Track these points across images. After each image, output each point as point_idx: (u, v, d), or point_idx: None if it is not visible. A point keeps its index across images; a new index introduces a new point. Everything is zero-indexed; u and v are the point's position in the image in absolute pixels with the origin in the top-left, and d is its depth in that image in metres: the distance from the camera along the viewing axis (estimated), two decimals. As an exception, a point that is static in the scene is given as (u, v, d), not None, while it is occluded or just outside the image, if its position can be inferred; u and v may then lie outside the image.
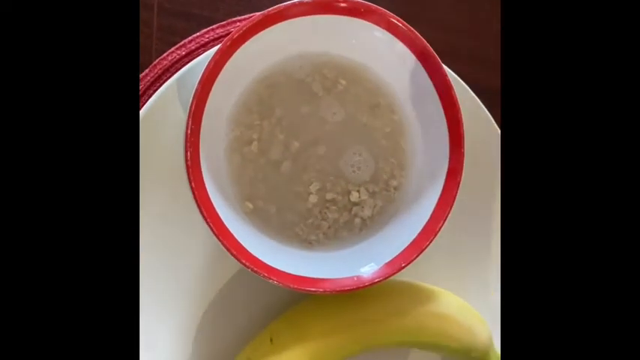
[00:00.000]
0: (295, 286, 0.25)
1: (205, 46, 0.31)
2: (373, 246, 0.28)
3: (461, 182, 0.27)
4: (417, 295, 0.29)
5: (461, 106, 0.28)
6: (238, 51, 0.25)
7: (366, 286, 0.26)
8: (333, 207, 0.28)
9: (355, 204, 0.28)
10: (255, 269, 0.24)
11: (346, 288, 0.26)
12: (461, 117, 0.28)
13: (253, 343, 0.27)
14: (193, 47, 0.31)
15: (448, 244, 0.31)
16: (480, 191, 0.32)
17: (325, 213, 0.28)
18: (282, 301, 0.29)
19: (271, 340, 0.26)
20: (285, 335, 0.27)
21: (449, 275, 0.31)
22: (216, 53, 0.25)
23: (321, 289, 0.25)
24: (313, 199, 0.28)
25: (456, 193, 0.27)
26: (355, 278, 0.26)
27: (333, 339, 0.27)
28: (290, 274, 0.25)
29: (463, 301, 0.30)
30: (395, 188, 0.29)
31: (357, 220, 0.28)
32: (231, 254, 0.24)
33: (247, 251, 0.25)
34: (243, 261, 0.24)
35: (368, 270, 0.26)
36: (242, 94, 0.28)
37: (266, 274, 0.25)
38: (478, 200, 0.31)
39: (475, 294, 0.31)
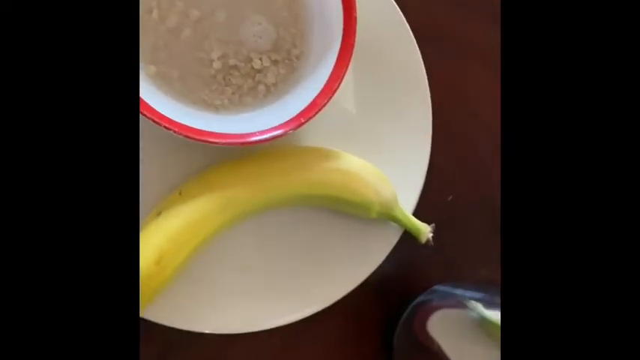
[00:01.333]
0: (195, 137, 0.26)
1: None
2: (278, 109, 0.29)
3: (355, 44, 0.29)
4: (322, 154, 0.31)
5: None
6: None
7: (268, 139, 0.27)
8: (237, 73, 0.30)
9: (258, 71, 0.30)
10: (156, 120, 0.26)
11: (247, 140, 0.27)
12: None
13: (164, 198, 0.29)
14: None
15: (358, 115, 0.33)
16: (386, 64, 0.34)
17: (229, 79, 0.30)
18: (197, 169, 0.31)
19: (180, 192, 0.28)
20: (193, 188, 0.28)
21: (356, 145, 0.33)
22: None
23: (222, 140, 0.27)
24: (217, 65, 0.29)
25: (351, 54, 0.29)
26: (257, 132, 0.28)
27: (240, 189, 0.28)
28: (190, 126, 0.27)
29: (366, 162, 0.32)
30: (297, 57, 0.31)
31: (261, 87, 0.30)
32: (132, 106, 0.26)
33: (148, 105, 0.26)
34: (143, 111, 0.26)
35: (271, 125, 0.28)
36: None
37: (167, 125, 0.26)
38: (386, 71, 0.34)
39: (383, 162, 0.33)
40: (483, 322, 0.27)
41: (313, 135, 0.32)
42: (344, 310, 0.34)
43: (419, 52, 0.34)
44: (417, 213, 0.33)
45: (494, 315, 0.27)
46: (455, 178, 0.37)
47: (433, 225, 0.33)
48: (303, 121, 0.28)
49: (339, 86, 0.29)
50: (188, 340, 0.33)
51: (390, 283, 0.35)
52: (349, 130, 0.33)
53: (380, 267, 0.33)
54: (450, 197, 0.37)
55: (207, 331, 0.31)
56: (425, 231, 0.32)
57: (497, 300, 0.27)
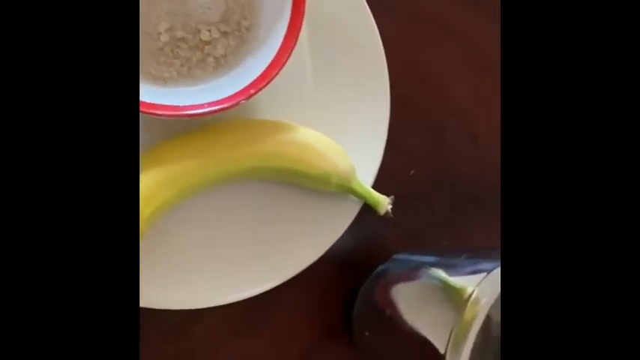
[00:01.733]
0: (141, 110, 0.26)
1: None
2: (228, 81, 0.29)
3: (305, 15, 0.29)
4: (277, 127, 0.30)
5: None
6: None
7: (216, 111, 0.27)
8: (185, 45, 0.29)
9: (207, 43, 0.30)
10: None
11: (195, 112, 0.27)
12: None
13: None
14: None
15: (315, 89, 0.33)
16: (342, 37, 0.33)
17: (177, 52, 0.29)
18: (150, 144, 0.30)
19: (128, 166, 0.28)
20: (143, 162, 0.28)
21: (315, 119, 0.33)
22: None
23: (169, 112, 0.27)
24: (164, 38, 0.29)
25: (301, 25, 0.29)
26: (205, 104, 0.27)
27: (189, 162, 0.28)
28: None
29: (323, 135, 0.31)
30: (247, 28, 0.30)
31: (210, 59, 0.30)
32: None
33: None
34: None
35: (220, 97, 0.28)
36: None
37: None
38: (342, 43, 0.33)
39: (341, 135, 0.33)
40: (445, 287, 0.27)
41: (269, 109, 0.32)
42: (306, 284, 0.34)
43: (375, 24, 0.33)
44: (379, 187, 0.33)
45: (455, 280, 0.27)
46: (417, 153, 0.37)
47: (392, 197, 0.33)
48: (252, 92, 0.28)
49: (289, 57, 0.28)
50: (152, 318, 0.33)
51: (353, 256, 0.35)
52: (306, 103, 0.33)
53: (342, 240, 0.33)
54: (412, 172, 0.37)
55: (169, 308, 0.31)
56: (384, 203, 0.32)
57: (452, 262, 0.27)
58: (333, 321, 0.34)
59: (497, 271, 0.23)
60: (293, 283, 0.32)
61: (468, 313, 0.21)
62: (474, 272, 0.24)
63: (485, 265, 0.24)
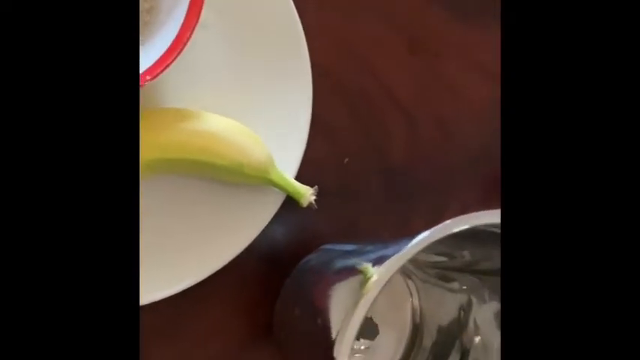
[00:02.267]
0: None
1: None
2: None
3: None
4: (179, 115, 0.29)
5: None
6: None
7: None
8: (77, 32, 0.28)
9: (102, 29, 0.28)
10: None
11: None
12: None
13: None
14: None
15: (229, 75, 0.31)
16: (259, 19, 0.32)
17: (68, 39, 0.28)
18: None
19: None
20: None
21: (229, 107, 0.31)
22: None
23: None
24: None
25: (201, 7, 0.27)
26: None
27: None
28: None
29: (235, 122, 0.30)
30: (147, 11, 0.29)
31: (107, 46, 0.28)
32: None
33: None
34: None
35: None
36: None
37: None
38: (259, 26, 0.32)
39: (259, 122, 0.31)
40: (357, 276, 0.25)
41: (177, 98, 0.30)
42: (232, 282, 0.32)
43: (292, 4, 0.32)
44: (311, 177, 0.31)
45: (365, 266, 0.25)
46: (352, 140, 0.35)
47: (316, 187, 0.31)
48: (149, 78, 0.26)
49: (188, 40, 0.27)
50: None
51: (283, 251, 0.34)
52: (219, 90, 0.31)
53: (270, 234, 0.32)
54: (346, 160, 0.35)
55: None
56: (305, 194, 0.30)
57: (366, 249, 0.26)
58: (262, 320, 0.33)
59: (396, 256, 0.21)
60: (217, 280, 0.30)
61: (360, 295, 0.20)
62: (382, 258, 0.23)
63: (392, 250, 0.22)
